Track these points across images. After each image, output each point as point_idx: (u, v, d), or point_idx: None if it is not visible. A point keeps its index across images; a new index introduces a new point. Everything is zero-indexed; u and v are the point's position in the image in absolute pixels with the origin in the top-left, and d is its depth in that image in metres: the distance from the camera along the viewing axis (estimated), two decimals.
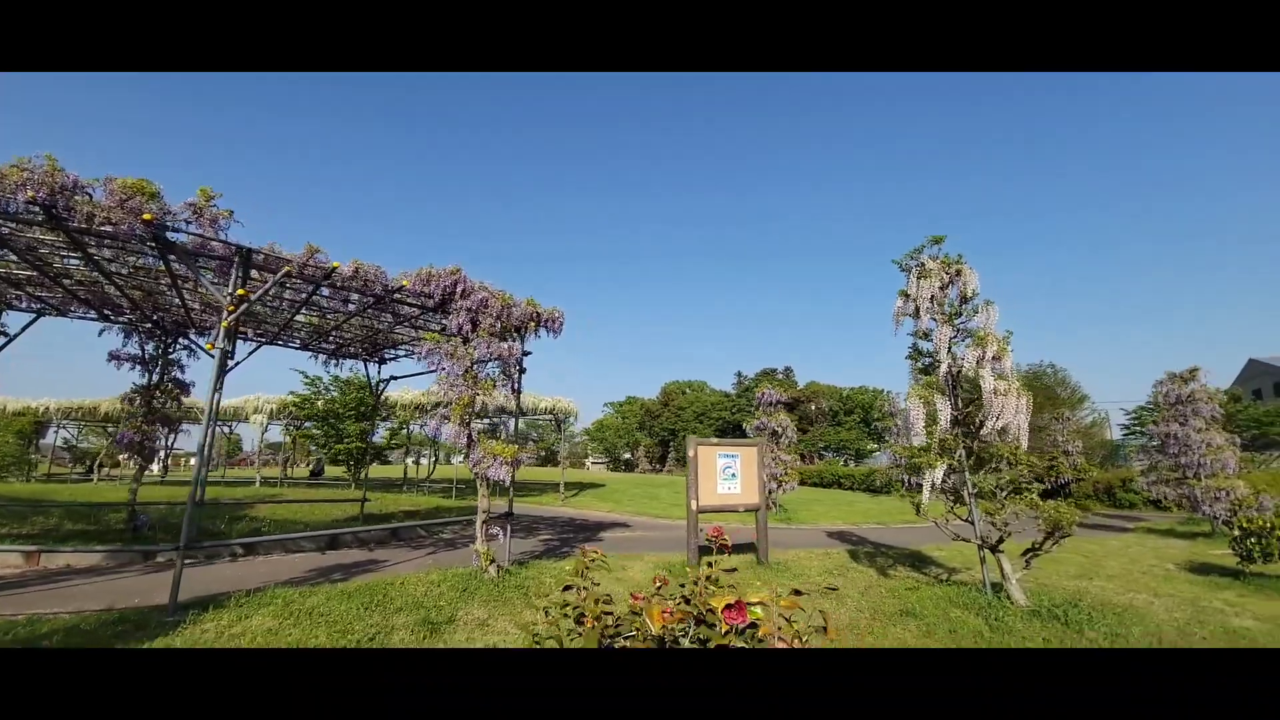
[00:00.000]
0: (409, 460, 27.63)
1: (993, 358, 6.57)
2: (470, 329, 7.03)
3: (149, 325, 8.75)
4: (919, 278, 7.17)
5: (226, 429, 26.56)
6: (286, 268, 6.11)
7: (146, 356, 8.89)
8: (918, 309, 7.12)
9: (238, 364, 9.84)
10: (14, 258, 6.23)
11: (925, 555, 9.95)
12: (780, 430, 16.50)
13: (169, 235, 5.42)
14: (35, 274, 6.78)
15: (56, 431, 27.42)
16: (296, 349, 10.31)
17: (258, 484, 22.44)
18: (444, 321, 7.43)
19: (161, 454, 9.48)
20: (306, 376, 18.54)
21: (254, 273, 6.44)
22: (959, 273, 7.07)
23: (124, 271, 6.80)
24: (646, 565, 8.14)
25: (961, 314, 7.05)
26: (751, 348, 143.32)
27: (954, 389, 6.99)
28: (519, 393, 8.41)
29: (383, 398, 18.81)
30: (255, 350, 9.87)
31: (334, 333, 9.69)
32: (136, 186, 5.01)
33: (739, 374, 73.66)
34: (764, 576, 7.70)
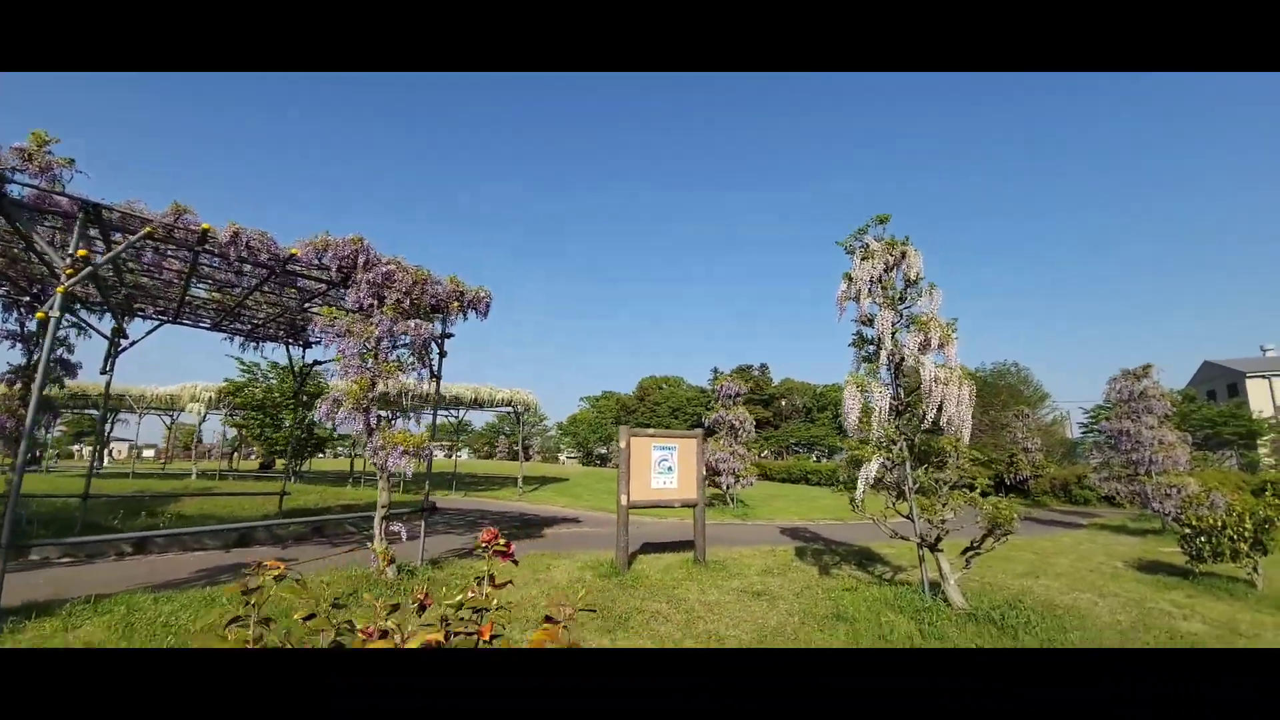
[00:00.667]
0: (358, 453, 26.61)
1: (937, 345, 6.16)
2: (374, 304, 6.35)
3: (27, 299, 7.84)
4: (862, 259, 6.73)
5: (167, 419, 25.16)
6: (147, 228, 5.35)
7: (25, 334, 7.99)
8: (859, 293, 6.67)
9: (134, 343, 9.00)
10: None
11: (874, 553, 9.60)
12: (738, 424, 16.09)
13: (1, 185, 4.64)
14: None
15: None
16: (206, 329, 9.46)
17: (194, 476, 21.23)
18: (341, 295, 6.72)
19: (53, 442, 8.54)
20: (243, 363, 17.52)
21: (118, 236, 5.68)
22: (904, 255, 6.64)
23: None
24: (574, 565, 7.59)
25: (905, 299, 6.63)
26: (732, 346, 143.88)
27: (895, 378, 6.58)
28: (438, 378, 7.75)
29: (316, 384, 17.85)
30: (156, 328, 9.01)
31: (244, 312, 8.89)
32: None
33: (715, 370, 73.56)
34: (698, 576, 7.21)
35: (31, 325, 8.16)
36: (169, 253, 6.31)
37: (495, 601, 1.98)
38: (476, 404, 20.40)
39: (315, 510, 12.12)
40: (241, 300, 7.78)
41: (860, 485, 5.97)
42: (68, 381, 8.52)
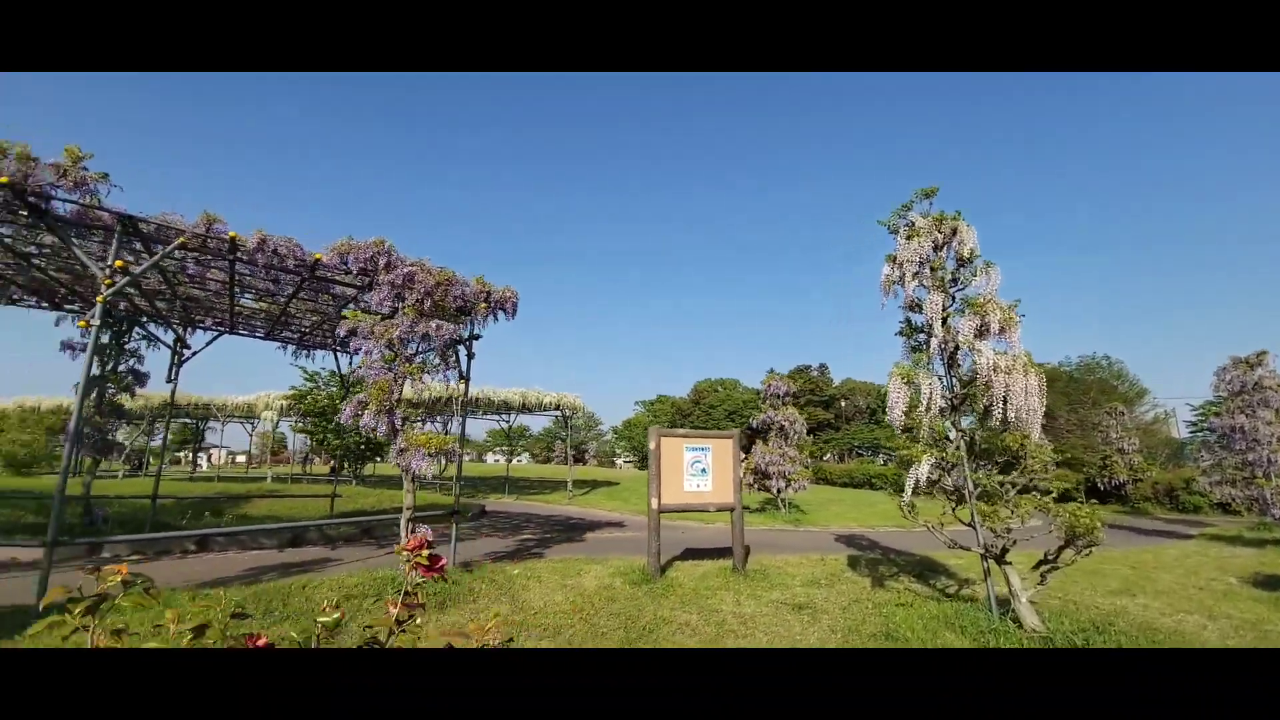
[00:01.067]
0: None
1: (997, 330, 5.45)
2: (395, 306, 6.36)
3: (83, 308, 8.49)
4: (906, 238, 6.09)
5: (249, 426, 27.18)
6: (181, 239, 5.57)
7: (99, 344, 8.64)
8: (905, 276, 6.03)
9: (195, 353, 9.57)
10: None
11: (937, 564, 8.76)
12: (788, 425, 15.34)
13: (45, 202, 4.94)
14: None
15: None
16: (260, 339, 9.94)
17: (269, 480, 22.71)
18: (366, 299, 6.78)
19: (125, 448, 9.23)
20: (305, 371, 18.58)
21: (157, 249, 5.96)
22: (954, 231, 5.95)
23: (38, 250, 6.45)
24: (606, 570, 7.31)
25: (958, 280, 5.93)
26: (791, 348, 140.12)
27: (950, 369, 5.89)
28: (466, 379, 7.71)
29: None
30: (215, 339, 9.54)
31: (291, 320, 9.25)
32: None
33: (771, 371, 71.51)
34: (735, 585, 6.76)
35: (105, 339, 8.81)
36: (210, 263, 6.58)
37: (421, 626, 1.74)
38: (525, 408, 20.63)
39: (367, 512, 12.50)
40: (284, 308, 8.07)
41: (909, 488, 5.35)
42: (146, 390, 9.14)
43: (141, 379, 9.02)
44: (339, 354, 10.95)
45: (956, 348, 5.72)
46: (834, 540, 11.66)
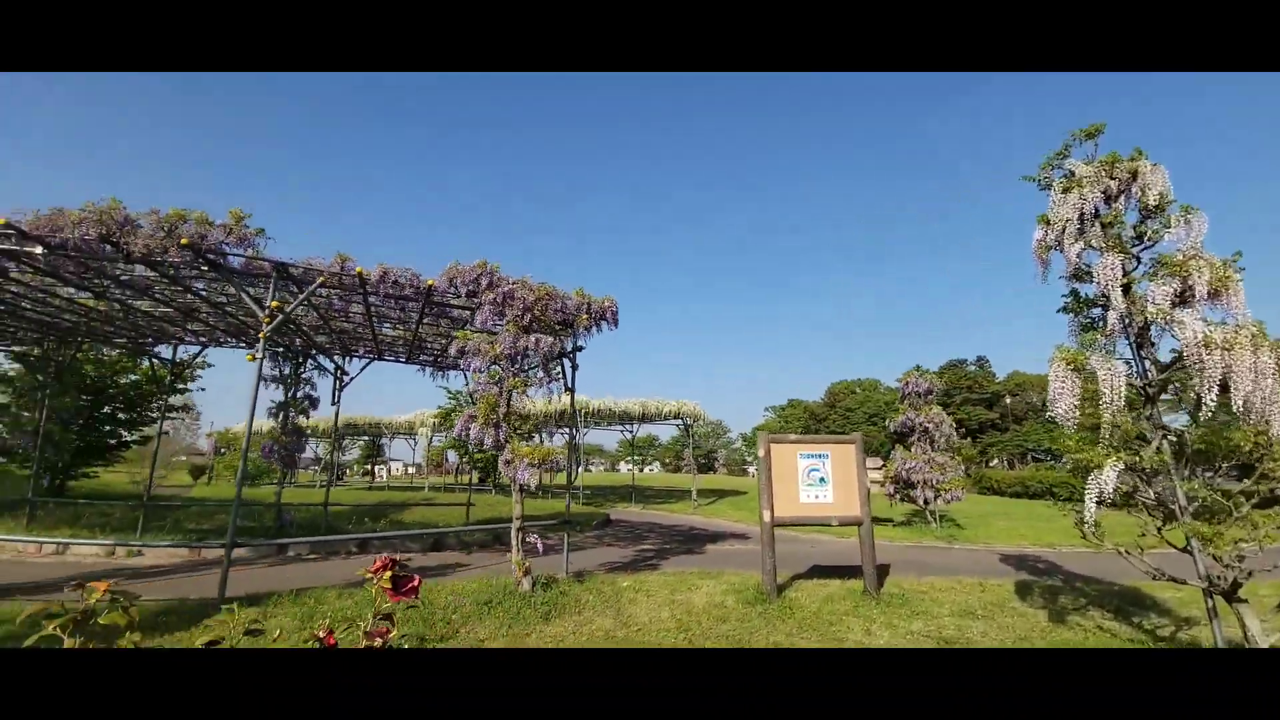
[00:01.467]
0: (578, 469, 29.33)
1: (1206, 293, 4.16)
2: (497, 323, 6.64)
3: (280, 349, 10.11)
4: (1063, 191, 4.93)
5: (411, 441, 31.07)
6: (321, 278, 6.35)
7: (282, 376, 10.28)
8: (1064, 238, 4.87)
9: (352, 379, 10.95)
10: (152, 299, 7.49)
11: (1142, 596, 7.00)
12: (932, 426, 13.53)
13: (216, 257, 5.92)
14: (175, 311, 8.10)
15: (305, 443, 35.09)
16: (402, 363, 11.12)
17: (425, 490, 25.58)
18: (473, 318, 7.16)
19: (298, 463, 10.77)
20: (449, 391, 20.67)
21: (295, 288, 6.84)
22: (1134, 175, 4.70)
23: (227, 300, 7.80)
24: (720, 586, 6.88)
25: (1142, 236, 4.66)
26: (940, 342, 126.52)
27: (1138, 348, 4.62)
28: (571, 390, 7.83)
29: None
30: (366, 365, 10.86)
31: (425, 344, 10.20)
32: (177, 215, 5.55)
33: (917, 368, 64.54)
34: (867, 611, 5.95)
35: (285, 370, 10.43)
36: (349, 298, 7.44)
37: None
38: (645, 418, 20.82)
39: (500, 519, 13.34)
40: (415, 333, 8.90)
41: (1089, 503, 4.23)
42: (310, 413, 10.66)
43: (315, 403, 10.55)
44: (466, 373, 11.85)
45: (1147, 322, 4.47)
46: (999, 561, 9.93)
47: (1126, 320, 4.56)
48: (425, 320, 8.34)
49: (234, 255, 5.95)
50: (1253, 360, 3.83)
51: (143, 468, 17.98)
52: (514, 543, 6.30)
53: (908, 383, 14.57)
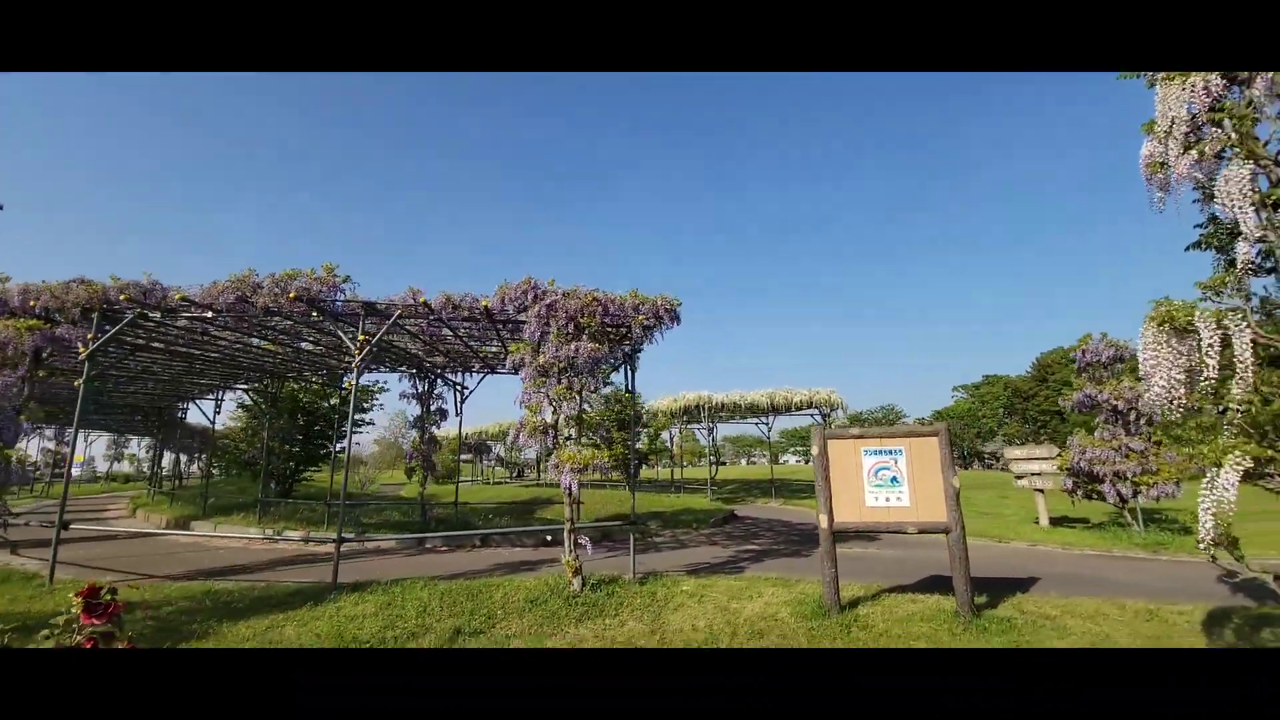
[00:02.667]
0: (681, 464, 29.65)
1: None
2: (541, 335, 6.97)
3: (413, 372, 11.85)
4: (1169, 78, 3.58)
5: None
6: (398, 311, 7.32)
7: (419, 393, 12.04)
8: (1172, 146, 3.53)
9: (470, 392, 12.32)
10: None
11: None
12: (1125, 405, 10.65)
13: (326, 303, 7.21)
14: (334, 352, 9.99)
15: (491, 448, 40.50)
16: (512, 374, 12.21)
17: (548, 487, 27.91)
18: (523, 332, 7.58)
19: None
20: None
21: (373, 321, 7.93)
22: None
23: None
24: (785, 595, 6.32)
25: None
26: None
27: None
28: (631, 392, 7.87)
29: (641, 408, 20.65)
30: (481, 380, 12.16)
31: (505, 357, 11.08)
32: (287, 275, 6.90)
33: (1104, 335, 50.57)
34: (953, 638, 4.98)
35: (423, 388, 12.13)
36: (433, 323, 8.43)
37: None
38: (774, 409, 19.87)
39: (606, 517, 13.88)
40: (503, 348, 9.74)
41: (1204, 515, 3.02)
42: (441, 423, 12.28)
43: (445, 415, 12.16)
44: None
45: None
46: (1216, 580, 7.49)
47: (1272, 249, 3.14)
48: (504, 335, 9.08)
49: (337, 301, 7.19)
50: None
51: (356, 473, 22.41)
52: (566, 543, 6.55)
53: (1085, 350, 11.72)
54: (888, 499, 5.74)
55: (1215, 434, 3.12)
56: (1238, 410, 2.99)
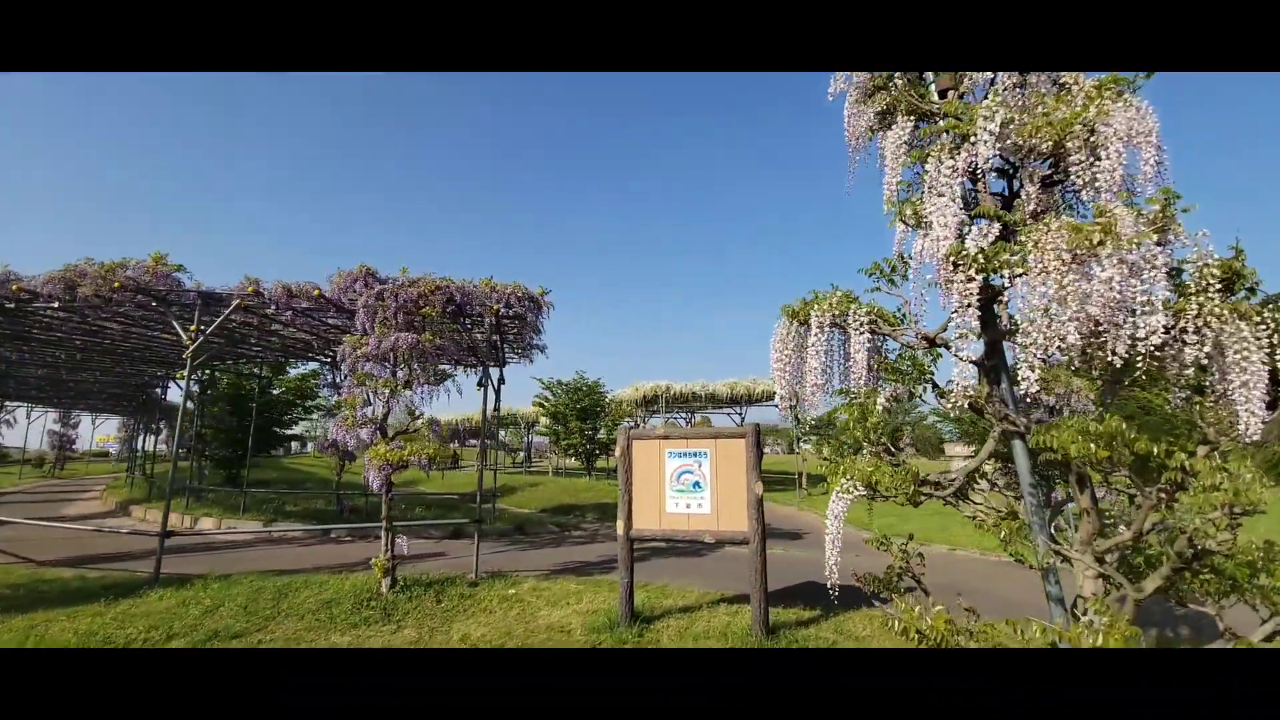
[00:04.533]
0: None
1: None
2: (370, 325, 6.67)
3: (327, 361, 11.75)
4: None
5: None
6: (237, 301, 7.13)
7: (332, 382, 11.95)
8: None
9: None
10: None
11: None
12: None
13: (158, 294, 7.07)
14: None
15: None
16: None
17: (550, 474, 27.79)
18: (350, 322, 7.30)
19: None
20: (543, 383, 21.62)
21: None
22: None
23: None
24: (589, 604, 5.92)
25: None
26: None
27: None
28: (497, 389, 7.56)
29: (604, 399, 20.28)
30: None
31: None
32: (117, 265, 6.77)
33: None
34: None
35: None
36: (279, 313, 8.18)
37: None
38: (734, 400, 19.25)
39: (554, 508, 13.65)
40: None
41: (828, 546, 2.51)
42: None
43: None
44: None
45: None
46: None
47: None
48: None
49: (172, 292, 7.03)
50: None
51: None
52: (384, 544, 6.30)
53: None
54: (689, 505, 5.28)
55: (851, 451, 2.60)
56: (859, 419, 2.46)
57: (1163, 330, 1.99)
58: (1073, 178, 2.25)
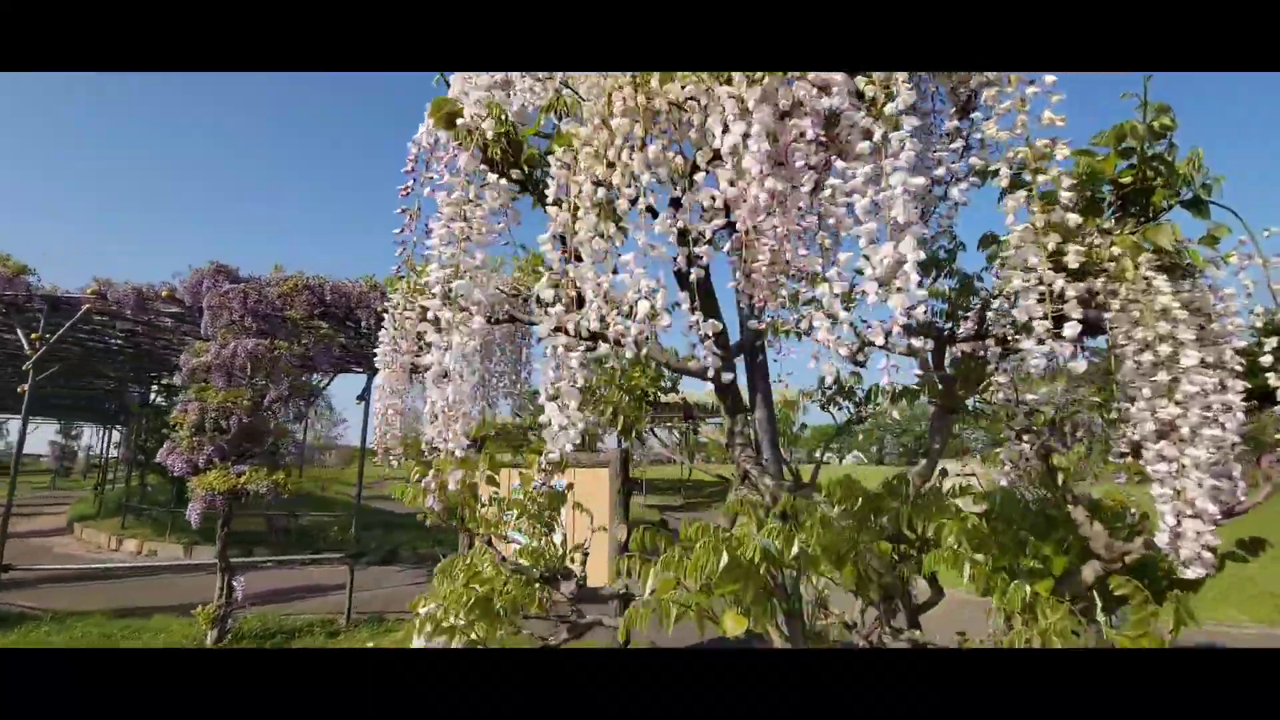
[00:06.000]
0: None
1: None
2: (212, 328, 5.85)
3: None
4: None
5: None
6: (85, 306, 6.37)
7: None
8: None
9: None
10: None
11: None
12: None
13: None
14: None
15: None
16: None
17: None
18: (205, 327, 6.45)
19: None
20: None
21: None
22: None
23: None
24: None
25: None
26: None
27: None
28: (366, 399, 6.64)
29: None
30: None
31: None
32: None
33: None
34: None
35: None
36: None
37: None
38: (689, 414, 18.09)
39: None
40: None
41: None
42: None
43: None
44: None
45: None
46: None
47: None
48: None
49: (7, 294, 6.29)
50: None
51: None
52: (218, 585, 5.40)
53: None
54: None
55: None
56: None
57: None
58: None
